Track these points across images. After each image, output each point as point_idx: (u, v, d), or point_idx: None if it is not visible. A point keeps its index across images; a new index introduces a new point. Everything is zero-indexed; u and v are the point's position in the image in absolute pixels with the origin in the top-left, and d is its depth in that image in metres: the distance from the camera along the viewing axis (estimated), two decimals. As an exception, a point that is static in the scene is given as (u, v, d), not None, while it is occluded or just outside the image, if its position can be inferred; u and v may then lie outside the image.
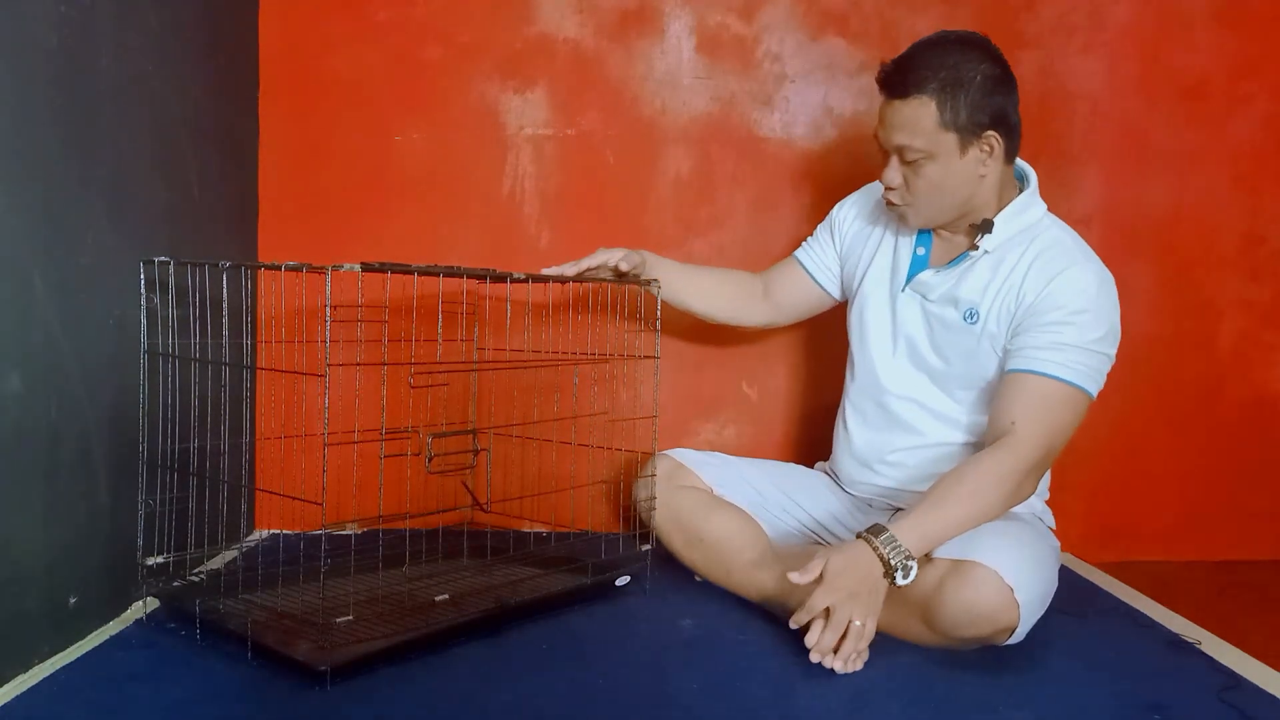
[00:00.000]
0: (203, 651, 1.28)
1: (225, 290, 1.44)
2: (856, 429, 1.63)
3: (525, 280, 1.48)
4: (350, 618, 1.30)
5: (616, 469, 1.85)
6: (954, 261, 1.49)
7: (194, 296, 1.44)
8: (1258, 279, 1.99)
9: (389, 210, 1.95)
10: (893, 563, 1.29)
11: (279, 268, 1.28)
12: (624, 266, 1.56)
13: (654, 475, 1.62)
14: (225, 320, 1.44)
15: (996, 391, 1.45)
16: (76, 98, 1.29)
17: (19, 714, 1.09)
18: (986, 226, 1.45)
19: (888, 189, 1.47)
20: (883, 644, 1.35)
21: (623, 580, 1.56)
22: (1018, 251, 1.45)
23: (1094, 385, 1.41)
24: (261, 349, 1.83)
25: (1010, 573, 1.27)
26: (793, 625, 1.30)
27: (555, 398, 1.79)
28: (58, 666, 1.21)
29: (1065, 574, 1.82)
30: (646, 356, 1.73)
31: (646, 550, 1.61)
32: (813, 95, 1.98)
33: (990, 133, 1.40)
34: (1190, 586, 1.80)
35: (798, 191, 1.98)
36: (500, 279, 1.46)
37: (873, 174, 1.98)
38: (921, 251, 1.55)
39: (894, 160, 1.44)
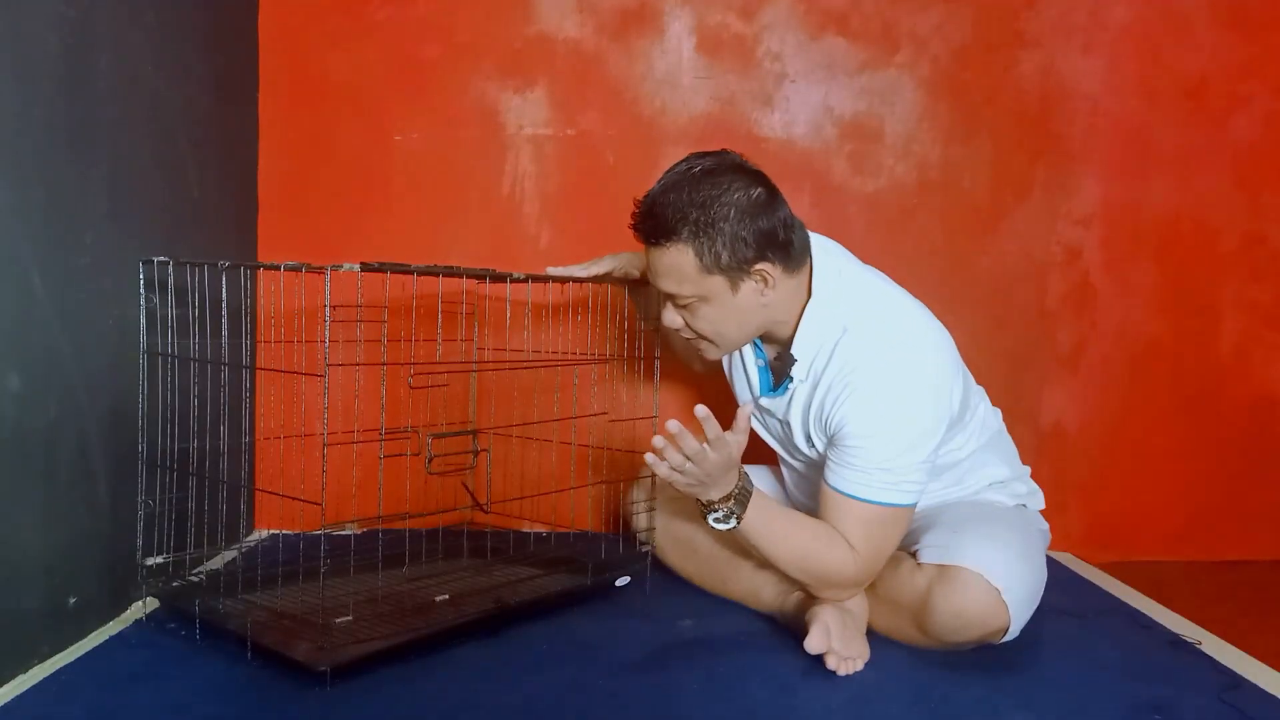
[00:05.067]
0: (203, 651, 1.28)
1: (225, 290, 1.43)
2: (787, 473, 1.62)
3: (525, 280, 1.48)
4: (350, 618, 1.30)
5: (616, 470, 1.84)
6: (779, 390, 1.44)
7: (193, 296, 1.44)
8: (1258, 279, 1.99)
9: (389, 210, 1.95)
10: (730, 500, 1.29)
11: (278, 268, 1.28)
12: (634, 274, 1.55)
13: (652, 477, 1.62)
14: (225, 320, 1.44)
15: (821, 498, 1.38)
16: (76, 97, 1.28)
17: (19, 714, 1.09)
18: (790, 360, 1.38)
19: (671, 329, 1.38)
20: (883, 644, 1.35)
21: (622, 581, 1.56)
22: (821, 368, 1.37)
23: (903, 496, 1.32)
24: (261, 349, 1.83)
25: (997, 574, 1.27)
26: (808, 648, 1.28)
27: (555, 398, 1.79)
28: (58, 666, 1.21)
29: (1065, 574, 1.82)
30: (646, 357, 1.72)
31: (646, 551, 1.61)
32: (813, 95, 1.98)
33: (760, 265, 1.29)
34: (1190, 586, 1.79)
35: (798, 192, 1.97)
36: (500, 279, 1.46)
37: (874, 175, 1.99)
38: (761, 363, 1.48)
39: (669, 303, 1.35)
